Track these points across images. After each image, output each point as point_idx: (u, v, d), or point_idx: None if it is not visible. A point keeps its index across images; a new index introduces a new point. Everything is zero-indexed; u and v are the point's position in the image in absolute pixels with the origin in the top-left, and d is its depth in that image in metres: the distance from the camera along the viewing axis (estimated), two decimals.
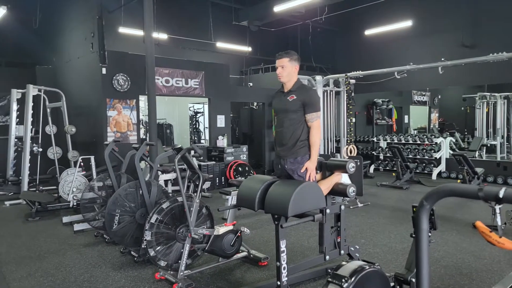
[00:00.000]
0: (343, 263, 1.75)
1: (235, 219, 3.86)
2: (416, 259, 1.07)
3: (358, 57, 11.00)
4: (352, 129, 5.74)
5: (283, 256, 2.63)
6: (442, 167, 8.53)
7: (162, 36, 9.88)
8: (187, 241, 3.36)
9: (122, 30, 9.21)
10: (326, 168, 2.85)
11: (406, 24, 9.36)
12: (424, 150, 9.00)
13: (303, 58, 12.22)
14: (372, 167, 9.66)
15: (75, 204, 5.73)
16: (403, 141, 9.49)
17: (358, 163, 2.82)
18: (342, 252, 2.94)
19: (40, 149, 7.12)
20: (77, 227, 5.03)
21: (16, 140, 7.27)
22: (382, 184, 7.76)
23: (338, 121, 6.52)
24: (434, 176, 8.44)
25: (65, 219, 5.41)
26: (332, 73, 9.46)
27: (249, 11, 10.56)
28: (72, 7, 8.87)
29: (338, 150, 6.79)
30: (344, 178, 2.85)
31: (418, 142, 9.19)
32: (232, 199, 3.72)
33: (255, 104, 11.12)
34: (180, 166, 6.90)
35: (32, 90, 6.91)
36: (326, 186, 2.83)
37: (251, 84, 11.61)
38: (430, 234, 2.07)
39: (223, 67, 9.24)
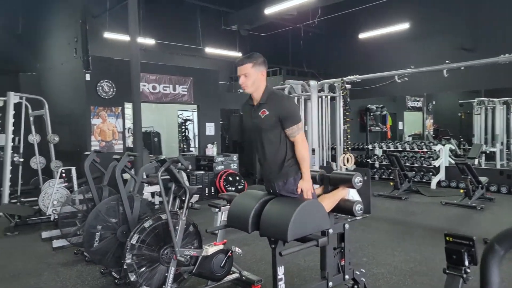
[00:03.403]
0: None
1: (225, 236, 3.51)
2: None
3: (352, 61, 10.78)
4: (349, 136, 5.45)
5: (281, 284, 2.29)
6: (442, 175, 8.28)
7: (150, 41, 9.57)
8: (172, 263, 3.00)
9: (108, 35, 8.87)
10: (329, 182, 2.53)
11: (403, 26, 9.15)
12: (422, 158, 8.76)
13: (294, 63, 12.18)
14: None
15: (56, 217, 5.37)
16: (400, 149, 9.25)
17: (366, 177, 2.50)
18: (346, 277, 2.61)
19: (21, 159, 6.72)
20: (56, 243, 4.66)
21: None
22: (380, 194, 7.45)
23: (333, 128, 6.23)
24: (433, 185, 8.19)
25: (45, 234, 5.04)
26: (324, 78, 9.24)
27: (239, 15, 10.33)
28: (55, 12, 8.51)
29: (334, 159, 6.50)
30: (352, 193, 2.53)
31: (416, 149, 8.95)
32: (222, 215, 3.38)
33: None
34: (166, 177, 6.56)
35: (13, 98, 6.55)
36: (329, 201, 2.50)
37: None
38: (469, 271, 1.75)
39: (212, 73, 8.95)
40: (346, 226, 2.62)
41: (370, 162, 9.84)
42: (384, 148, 9.75)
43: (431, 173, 8.52)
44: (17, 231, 5.39)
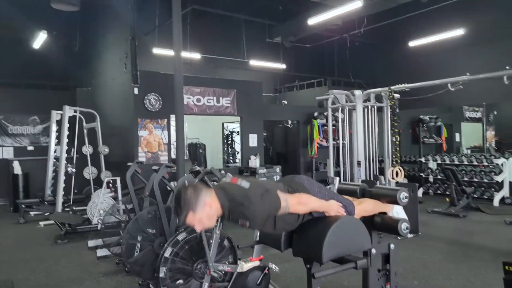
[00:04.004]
0: None
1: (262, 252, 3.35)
2: None
3: (402, 70, 10.29)
4: (398, 148, 5.08)
5: None
6: (506, 192, 7.51)
7: (195, 55, 9.80)
8: (206, 279, 2.90)
9: (156, 51, 9.22)
10: (371, 197, 2.30)
11: (457, 32, 8.58)
12: (483, 172, 8.02)
13: (340, 74, 11.86)
14: (420, 191, 8.77)
15: (103, 226, 5.54)
16: (456, 162, 8.56)
17: (412, 192, 2.24)
18: None
19: (74, 170, 7.06)
20: (100, 252, 4.76)
21: (54, 160, 7.35)
22: (434, 211, 6.91)
23: (381, 140, 5.88)
24: (496, 202, 7.44)
25: (91, 243, 5.19)
26: (372, 88, 8.87)
27: (283, 27, 10.32)
28: (108, 30, 9.03)
29: (382, 172, 6.11)
30: (397, 209, 2.27)
31: (475, 163, 8.23)
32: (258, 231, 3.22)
33: (289, 122, 10.70)
34: None
35: (68, 111, 6.95)
36: (370, 204, 2.28)
37: (285, 101, 11.25)
38: None
39: (255, 84, 8.97)
40: (392, 246, 2.35)
41: (424, 176, 9.21)
42: (439, 161, 9.08)
43: (493, 189, 7.76)
44: (67, 239, 5.59)
